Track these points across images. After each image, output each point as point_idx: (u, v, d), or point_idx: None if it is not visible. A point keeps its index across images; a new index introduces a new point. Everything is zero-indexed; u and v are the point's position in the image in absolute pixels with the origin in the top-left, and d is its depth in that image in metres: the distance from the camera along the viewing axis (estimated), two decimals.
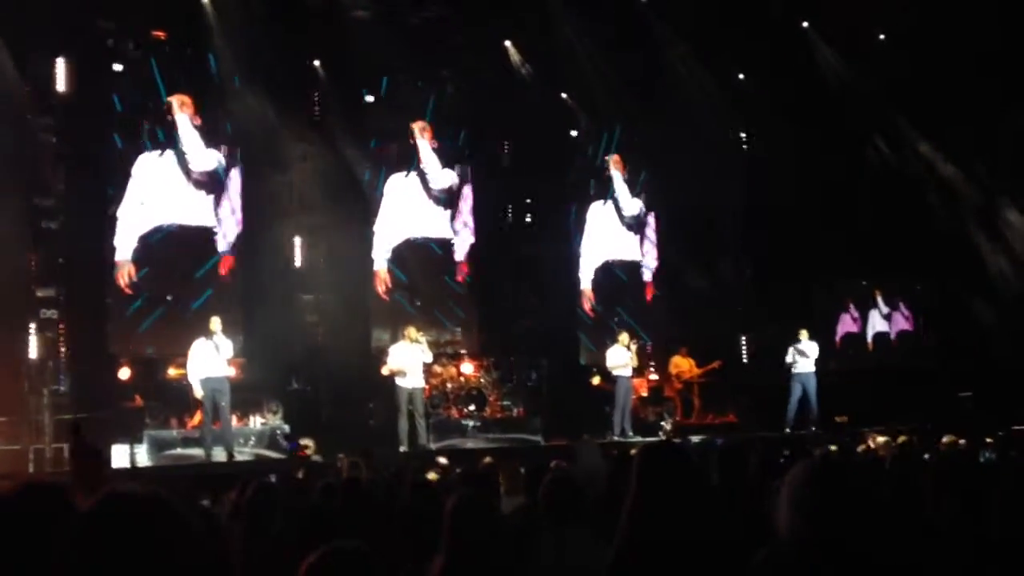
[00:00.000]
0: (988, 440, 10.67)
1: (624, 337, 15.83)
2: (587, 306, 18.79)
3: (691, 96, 17.38)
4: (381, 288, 16.81)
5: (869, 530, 2.35)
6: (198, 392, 12.91)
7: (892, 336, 18.50)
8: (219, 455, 13.06)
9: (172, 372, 14.56)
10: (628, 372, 15.63)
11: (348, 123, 16.53)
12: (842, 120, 17.62)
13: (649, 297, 19.50)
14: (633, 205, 19.50)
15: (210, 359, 12.91)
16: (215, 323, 13.08)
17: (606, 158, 19.34)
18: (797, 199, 17.90)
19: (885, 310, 17.95)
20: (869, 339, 18.76)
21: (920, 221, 16.79)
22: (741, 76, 18.71)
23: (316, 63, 16.35)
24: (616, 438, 15.04)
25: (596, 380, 16.80)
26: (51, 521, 1.85)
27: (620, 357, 15.58)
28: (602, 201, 19.39)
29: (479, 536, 3.65)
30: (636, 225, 19.57)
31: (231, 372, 13.28)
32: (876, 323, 17.83)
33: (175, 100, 15.34)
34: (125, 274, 14.77)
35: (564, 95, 18.58)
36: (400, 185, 17.40)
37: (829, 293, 18.72)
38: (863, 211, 17.56)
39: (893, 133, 17.74)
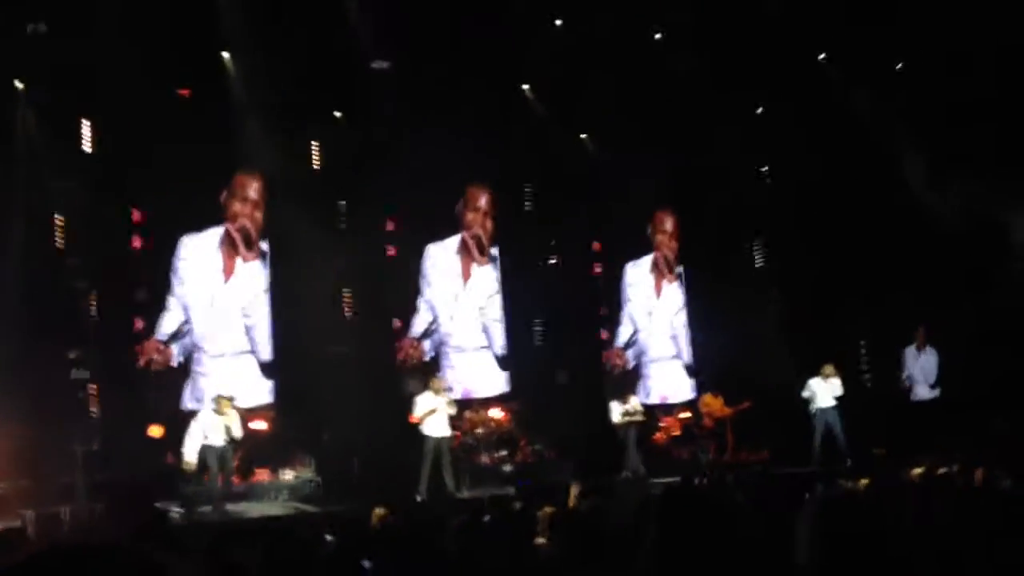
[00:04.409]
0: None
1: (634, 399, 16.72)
2: (617, 362, 19.11)
3: (711, 129, 17.34)
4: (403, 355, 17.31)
5: (880, 562, 2.34)
6: (190, 459, 13.10)
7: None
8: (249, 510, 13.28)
9: None
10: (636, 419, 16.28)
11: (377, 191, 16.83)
12: (864, 151, 17.47)
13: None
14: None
15: (215, 430, 13.28)
16: (226, 404, 13.54)
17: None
18: (822, 227, 17.82)
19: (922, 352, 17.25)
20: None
21: (942, 249, 16.56)
22: (759, 110, 18.71)
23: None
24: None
25: (616, 418, 16.61)
26: None
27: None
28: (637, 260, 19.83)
29: None
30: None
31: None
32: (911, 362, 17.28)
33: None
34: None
35: (584, 136, 18.71)
36: (438, 258, 17.93)
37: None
38: (885, 242, 17.33)
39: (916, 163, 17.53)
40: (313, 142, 16.56)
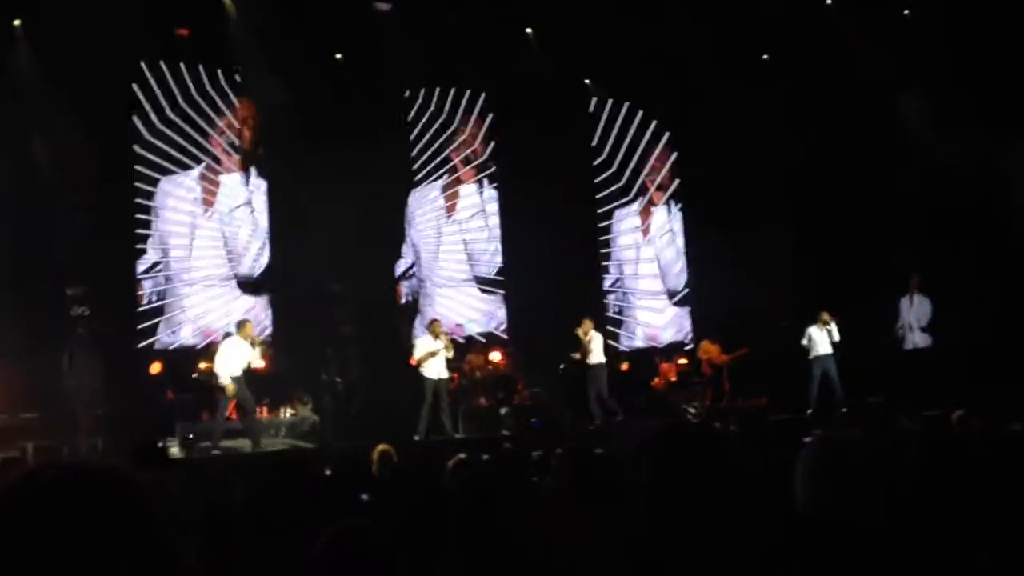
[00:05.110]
0: None
1: (587, 324, 15.91)
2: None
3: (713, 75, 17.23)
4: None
5: (875, 505, 2.36)
6: (228, 386, 13.06)
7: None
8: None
9: (203, 365, 14.66)
10: (598, 359, 15.76)
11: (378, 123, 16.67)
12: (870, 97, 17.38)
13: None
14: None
15: (239, 359, 13.24)
16: (249, 328, 13.59)
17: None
18: (824, 177, 17.76)
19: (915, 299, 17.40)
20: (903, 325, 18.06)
21: (941, 197, 16.61)
22: (765, 56, 18.58)
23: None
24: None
25: (577, 356, 16.46)
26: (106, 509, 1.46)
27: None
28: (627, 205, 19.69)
29: (484, 524, 3.63)
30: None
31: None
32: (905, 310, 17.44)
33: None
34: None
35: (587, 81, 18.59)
36: (425, 200, 17.91)
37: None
38: (889, 189, 17.32)
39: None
40: (312, 84, 16.38)
